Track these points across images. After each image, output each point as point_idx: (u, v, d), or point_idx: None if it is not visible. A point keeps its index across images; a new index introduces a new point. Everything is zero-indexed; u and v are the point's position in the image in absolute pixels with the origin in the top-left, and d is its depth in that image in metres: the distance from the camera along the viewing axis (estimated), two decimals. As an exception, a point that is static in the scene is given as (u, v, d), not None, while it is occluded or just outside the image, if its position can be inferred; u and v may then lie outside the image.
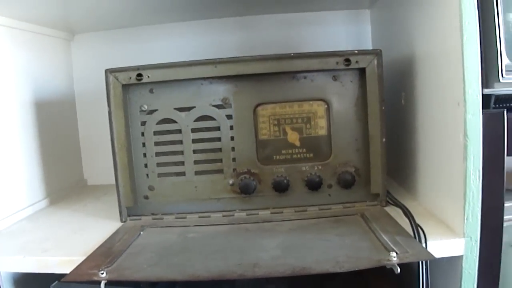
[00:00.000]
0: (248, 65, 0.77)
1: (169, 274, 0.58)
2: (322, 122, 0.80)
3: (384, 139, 0.77)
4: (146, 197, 0.82)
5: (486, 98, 0.63)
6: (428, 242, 0.62)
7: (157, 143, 0.81)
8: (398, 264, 0.54)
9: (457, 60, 0.60)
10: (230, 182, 0.81)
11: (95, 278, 0.56)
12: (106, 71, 0.77)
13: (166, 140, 0.81)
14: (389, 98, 0.83)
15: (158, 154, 0.81)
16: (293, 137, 0.81)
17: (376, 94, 0.76)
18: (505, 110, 0.63)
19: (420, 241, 0.62)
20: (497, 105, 0.67)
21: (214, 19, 1.13)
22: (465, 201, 0.61)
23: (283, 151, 0.81)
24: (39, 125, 0.98)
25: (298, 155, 0.81)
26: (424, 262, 0.61)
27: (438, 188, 0.72)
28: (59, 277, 0.63)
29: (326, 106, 0.80)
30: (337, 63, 0.76)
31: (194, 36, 1.14)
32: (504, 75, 0.64)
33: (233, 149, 0.81)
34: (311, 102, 0.80)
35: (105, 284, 0.56)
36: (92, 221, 0.84)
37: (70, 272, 0.58)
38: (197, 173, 0.81)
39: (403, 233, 0.64)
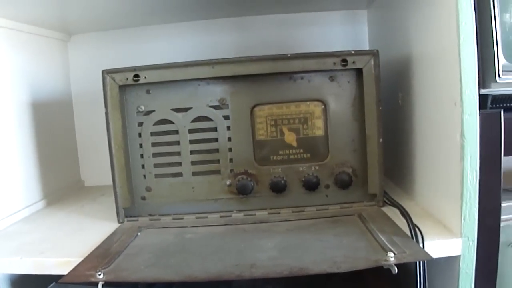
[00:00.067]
0: (245, 65, 0.77)
1: (167, 275, 0.57)
2: (319, 123, 0.80)
3: (381, 140, 0.77)
4: (143, 198, 0.82)
5: (483, 98, 0.63)
6: (425, 242, 0.62)
7: (154, 144, 0.81)
8: (396, 264, 0.54)
9: (454, 60, 0.60)
10: (227, 182, 0.81)
11: (93, 279, 0.56)
12: (103, 72, 0.77)
13: (163, 141, 0.81)
14: (386, 98, 0.83)
15: (155, 155, 0.81)
16: (290, 137, 0.81)
17: (373, 95, 0.76)
18: (502, 110, 0.64)
19: (417, 241, 0.62)
20: (494, 105, 0.67)
21: (211, 20, 1.13)
22: (462, 201, 0.61)
23: (280, 152, 0.81)
24: (36, 126, 0.98)
25: (295, 156, 0.81)
26: (421, 262, 0.62)
27: (435, 188, 0.72)
28: (56, 278, 0.63)
29: (323, 106, 0.80)
30: (334, 63, 0.76)
31: (191, 37, 1.14)
32: (501, 75, 0.64)
33: (230, 149, 0.81)
34: (308, 103, 0.80)
35: (103, 285, 0.56)
36: (89, 222, 0.84)
37: (68, 274, 0.58)
38: (194, 174, 0.81)
39: (400, 233, 0.64)
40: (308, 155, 0.81)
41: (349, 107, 0.80)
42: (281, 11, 1.11)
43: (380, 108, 0.76)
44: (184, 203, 0.81)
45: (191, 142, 0.80)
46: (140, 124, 0.80)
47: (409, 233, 0.64)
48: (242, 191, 0.80)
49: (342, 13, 1.13)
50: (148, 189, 0.82)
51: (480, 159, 0.61)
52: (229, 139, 0.80)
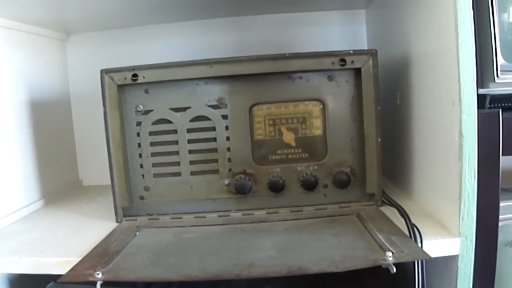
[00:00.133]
0: (243, 65, 0.77)
1: (165, 274, 0.57)
2: (318, 122, 0.80)
3: (379, 139, 0.77)
4: (142, 198, 0.82)
5: (481, 98, 0.63)
6: (423, 242, 0.62)
7: (152, 144, 0.81)
8: (394, 264, 0.54)
9: (452, 60, 0.61)
10: (226, 182, 0.81)
11: (91, 279, 0.56)
12: (102, 71, 0.77)
13: (161, 141, 0.81)
14: (385, 98, 0.83)
15: (153, 154, 0.81)
16: (288, 137, 0.81)
17: (372, 94, 0.76)
18: (500, 110, 0.64)
19: (415, 240, 0.62)
20: (492, 105, 0.68)
21: (209, 19, 1.13)
22: (460, 201, 0.62)
23: (279, 151, 0.81)
24: (34, 125, 0.98)
25: (294, 155, 0.81)
26: (419, 261, 0.61)
27: (433, 187, 0.72)
28: (54, 278, 0.63)
29: (321, 106, 0.80)
30: (332, 63, 0.77)
31: (189, 37, 1.14)
32: (499, 75, 0.64)
33: (228, 149, 0.81)
34: (306, 102, 0.80)
35: (101, 285, 0.55)
36: (88, 222, 0.84)
37: (66, 273, 0.58)
38: (192, 173, 0.81)
39: (398, 233, 0.64)
40: (307, 155, 0.81)
41: (348, 107, 0.80)
42: (279, 11, 1.11)
43: (379, 107, 0.76)
44: (182, 202, 0.81)
45: (190, 141, 0.80)
46: (139, 123, 0.80)
47: (407, 233, 0.64)
48: (241, 191, 0.80)
49: (340, 13, 1.13)
50: (147, 188, 0.82)
51: (478, 158, 0.61)
52: (228, 138, 0.80)
